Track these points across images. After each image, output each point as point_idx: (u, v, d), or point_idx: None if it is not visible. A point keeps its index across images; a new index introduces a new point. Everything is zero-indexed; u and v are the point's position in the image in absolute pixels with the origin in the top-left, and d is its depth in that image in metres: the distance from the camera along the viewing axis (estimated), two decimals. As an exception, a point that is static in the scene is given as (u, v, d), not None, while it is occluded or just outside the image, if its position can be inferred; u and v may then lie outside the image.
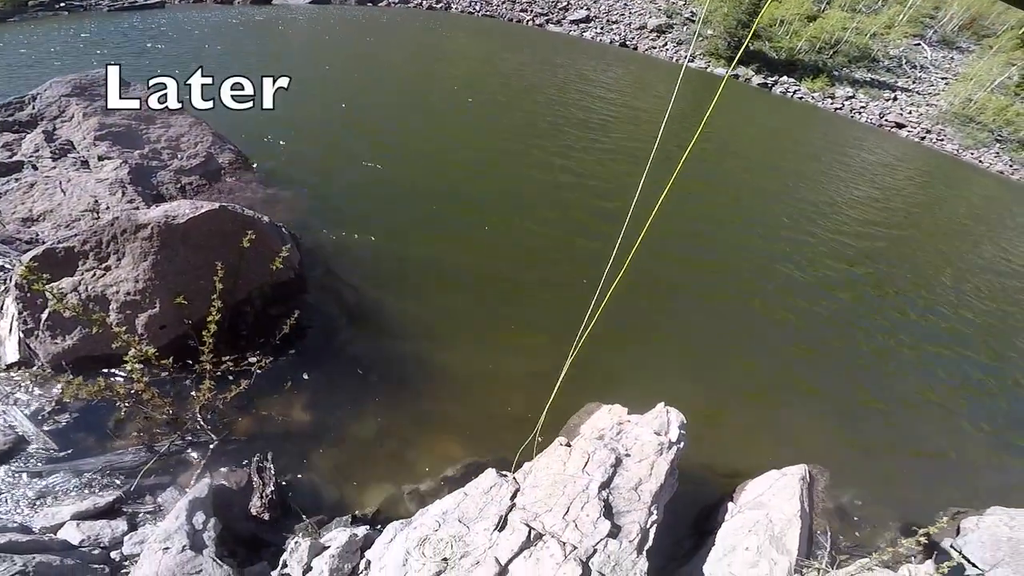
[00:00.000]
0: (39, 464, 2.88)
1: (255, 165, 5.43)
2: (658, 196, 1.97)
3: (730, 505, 3.26)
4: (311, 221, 5.05)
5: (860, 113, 23.07)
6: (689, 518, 3.36)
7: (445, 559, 2.22)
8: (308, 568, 2.45)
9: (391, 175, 6.55)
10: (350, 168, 6.37)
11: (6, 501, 2.74)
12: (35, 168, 4.14)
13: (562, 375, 2.69)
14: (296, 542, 2.60)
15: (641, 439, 2.90)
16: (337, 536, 2.61)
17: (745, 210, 8.80)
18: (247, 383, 3.09)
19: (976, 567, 2.87)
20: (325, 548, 2.54)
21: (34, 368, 3.17)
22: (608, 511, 2.43)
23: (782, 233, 8.22)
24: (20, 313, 3.06)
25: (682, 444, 2.98)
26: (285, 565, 2.50)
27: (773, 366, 5.14)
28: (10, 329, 3.15)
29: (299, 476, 3.11)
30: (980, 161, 21.19)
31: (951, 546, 3.24)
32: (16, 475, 2.83)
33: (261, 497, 2.91)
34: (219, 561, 2.29)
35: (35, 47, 8.28)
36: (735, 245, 7.44)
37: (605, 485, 2.55)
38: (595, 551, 2.23)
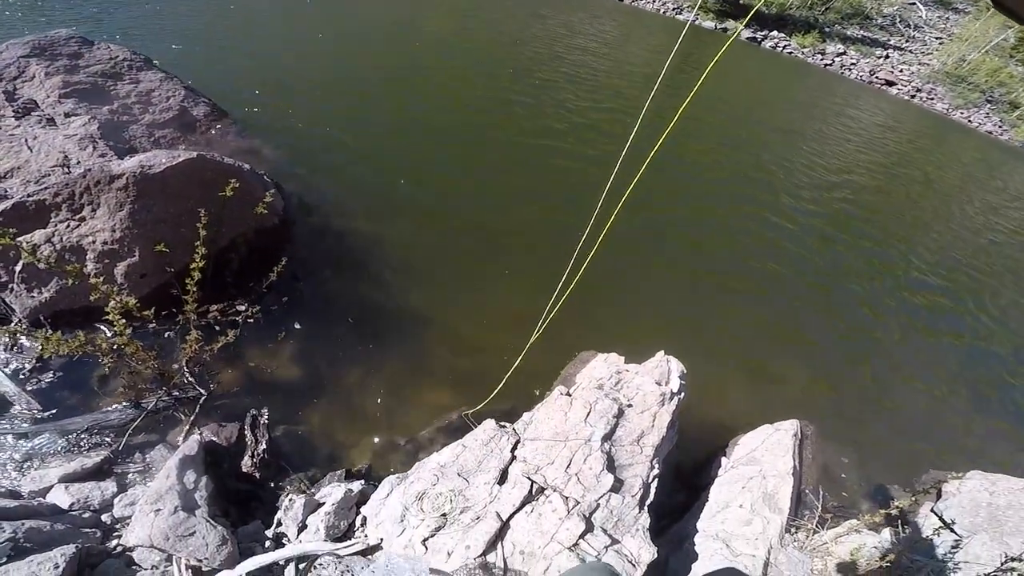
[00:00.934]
0: (23, 425, 2.80)
1: (231, 117, 5.26)
2: (648, 150, 1.93)
3: (723, 460, 3.27)
4: (293, 169, 4.95)
5: (850, 70, 22.90)
6: (682, 473, 3.36)
7: (444, 514, 2.20)
8: (303, 526, 2.42)
9: (373, 123, 6.44)
10: (330, 117, 6.22)
11: None
12: (-3, 128, 3.96)
13: (540, 326, 2.66)
14: (290, 499, 2.57)
15: (643, 389, 2.89)
16: (332, 492, 2.57)
17: (736, 163, 8.80)
18: (234, 333, 3.04)
19: (955, 533, 2.90)
20: (320, 505, 2.52)
21: (11, 325, 3.09)
22: (611, 464, 2.42)
23: (775, 185, 8.26)
24: (-8, 267, 2.96)
25: (683, 395, 2.97)
26: (279, 524, 2.47)
27: (765, 318, 5.21)
28: (-17, 285, 3.06)
29: (290, 430, 3.08)
30: (969, 121, 21.24)
31: (932, 510, 3.26)
32: (1, 437, 2.76)
33: (253, 455, 2.86)
34: (212, 522, 2.26)
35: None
36: (727, 197, 7.47)
37: (607, 437, 2.54)
38: (598, 506, 2.22)
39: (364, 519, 2.41)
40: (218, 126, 4.99)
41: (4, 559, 1.97)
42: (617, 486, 2.31)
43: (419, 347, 3.75)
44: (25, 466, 2.70)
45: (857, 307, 5.91)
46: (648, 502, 2.31)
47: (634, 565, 1.98)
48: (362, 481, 2.73)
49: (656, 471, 2.44)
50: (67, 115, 4.06)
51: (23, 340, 3.06)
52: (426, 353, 3.73)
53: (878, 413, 4.52)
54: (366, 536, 2.28)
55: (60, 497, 2.56)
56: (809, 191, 8.49)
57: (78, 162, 3.72)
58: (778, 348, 4.85)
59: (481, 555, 1.98)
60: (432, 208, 5.24)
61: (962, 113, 21.50)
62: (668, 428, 2.65)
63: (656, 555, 2.03)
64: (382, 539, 2.22)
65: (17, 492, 2.56)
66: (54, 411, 2.88)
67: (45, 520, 2.29)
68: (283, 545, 2.32)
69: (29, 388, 2.93)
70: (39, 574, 1.94)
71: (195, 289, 2.81)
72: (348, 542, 2.24)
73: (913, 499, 3.03)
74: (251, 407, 3.06)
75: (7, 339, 3.06)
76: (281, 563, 2.17)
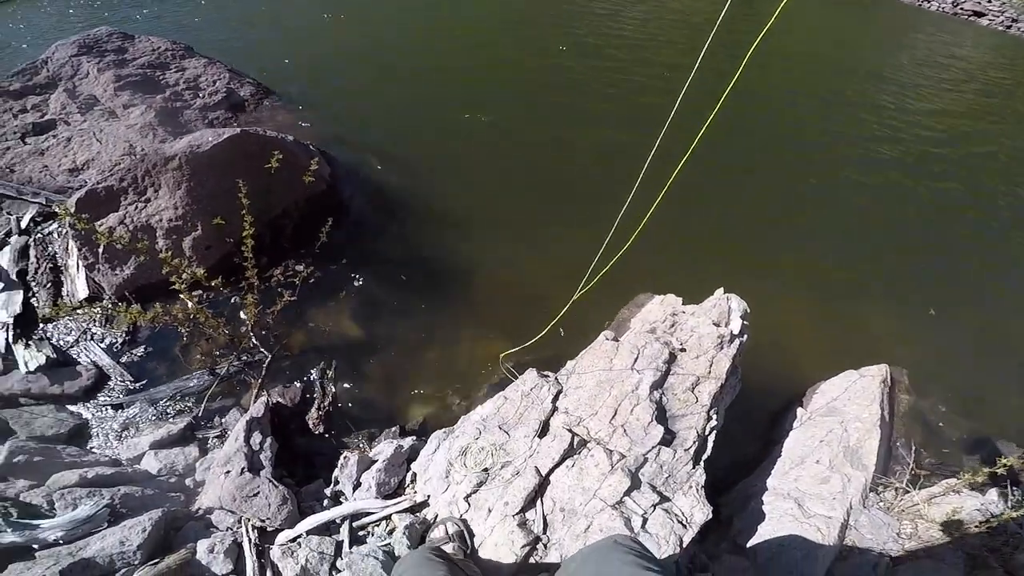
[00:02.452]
0: (119, 396, 3.09)
1: (277, 94, 5.45)
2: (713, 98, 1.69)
3: (799, 411, 2.99)
4: (339, 137, 5.04)
5: (930, 1, 19.53)
6: (751, 425, 3.12)
7: (486, 469, 2.15)
8: (358, 484, 2.47)
9: (415, 89, 6.38)
10: (372, 84, 6.26)
11: (97, 435, 2.95)
12: (67, 124, 4.33)
13: (585, 280, 2.51)
14: (345, 457, 2.62)
15: (698, 331, 2.65)
16: (384, 449, 2.60)
17: (809, 103, 7.84)
18: (290, 295, 3.19)
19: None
20: (373, 462, 2.55)
21: (104, 301, 3.43)
22: (661, 415, 2.25)
23: (852, 125, 7.31)
24: (80, 250, 3.28)
25: (745, 337, 2.70)
26: (337, 482, 2.54)
27: (848, 255, 4.69)
28: (77, 266, 3.41)
29: (349, 388, 3.21)
30: None
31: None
32: (102, 409, 3.05)
33: (319, 409, 3.02)
34: (275, 482, 2.34)
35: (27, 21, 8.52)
36: (801, 135, 6.72)
37: (657, 385, 2.36)
38: (646, 460, 2.07)
39: (414, 475, 2.44)
40: (265, 103, 5.19)
41: (104, 524, 2.14)
42: (668, 439, 2.16)
43: (471, 301, 3.77)
44: (123, 435, 2.95)
45: (960, 245, 5.15)
46: (704, 457, 2.14)
47: (685, 526, 1.86)
48: (413, 437, 2.78)
49: (714, 423, 2.25)
50: (125, 106, 4.35)
51: (113, 316, 3.39)
52: (478, 306, 3.74)
53: (985, 359, 3.97)
54: (415, 493, 2.31)
55: (151, 463, 2.76)
56: (894, 126, 7.42)
57: (142, 149, 3.99)
58: (862, 289, 4.38)
59: (519, 512, 1.94)
60: (479, 164, 5.16)
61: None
62: (728, 375, 2.42)
63: (710, 515, 1.89)
64: (429, 496, 2.24)
65: (117, 460, 2.79)
66: (144, 381, 3.15)
67: (138, 486, 2.48)
68: (340, 503, 2.40)
69: (123, 361, 3.23)
70: (129, 538, 2.06)
71: (251, 256, 2.95)
72: (396, 499, 2.29)
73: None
74: (312, 367, 3.22)
75: (101, 315, 3.41)
76: (337, 521, 2.25)
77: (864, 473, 2.38)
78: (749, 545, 2.10)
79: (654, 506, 1.89)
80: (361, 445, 2.87)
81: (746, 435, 3.06)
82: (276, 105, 5.26)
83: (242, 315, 3.22)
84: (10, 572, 1.90)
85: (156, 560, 2.03)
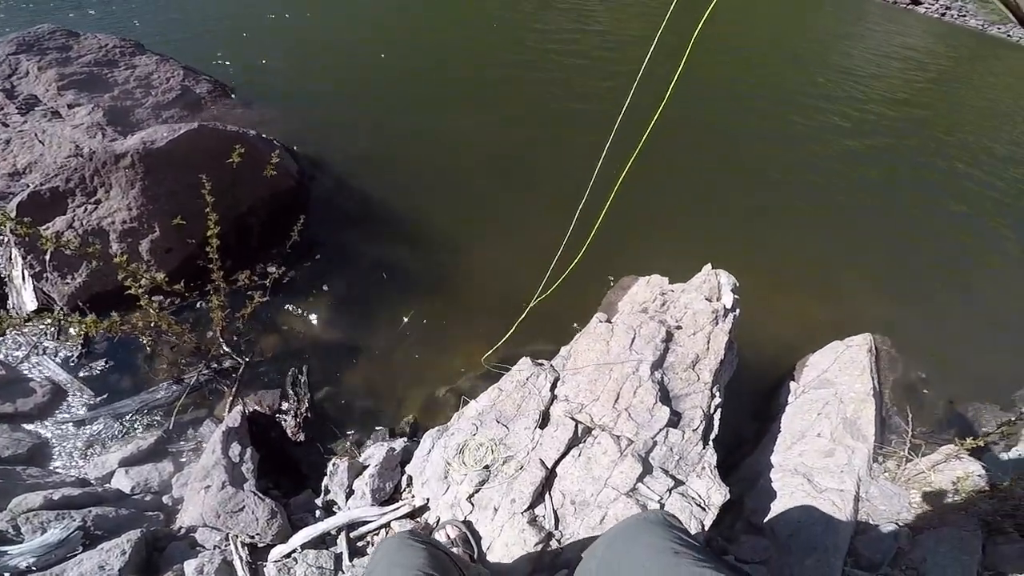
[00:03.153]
0: (80, 412, 2.89)
1: (236, 91, 5.23)
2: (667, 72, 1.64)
3: (792, 385, 2.98)
4: (304, 133, 4.86)
5: None
6: (746, 402, 3.08)
7: (487, 466, 2.05)
8: (350, 491, 2.33)
9: (382, 88, 6.22)
10: (333, 77, 6.09)
11: (60, 455, 2.76)
12: (5, 125, 4.02)
13: (559, 251, 2.43)
14: (334, 464, 2.48)
15: (692, 307, 2.61)
16: (375, 453, 2.48)
17: (769, 85, 7.99)
18: (260, 296, 3.01)
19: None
20: (365, 467, 2.42)
21: (55, 312, 3.17)
22: (664, 395, 2.18)
23: (818, 102, 7.49)
24: (25, 258, 3.01)
25: (738, 311, 2.68)
26: (327, 491, 2.41)
27: (823, 224, 4.80)
28: (23, 276, 3.14)
29: (332, 392, 3.06)
30: (1009, 35, 18.56)
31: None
32: (62, 426, 2.85)
33: (296, 416, 2.86)
34: (260, 495, 2.20)
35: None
36: (766, 109, 6.83)
37: (657, 365, 2.29)
38: (655, 444, 2.00)
39: (410, 479, 2.32)
40: (224, 101, 4.95)
41: (79, 548, 1.98)
42: (675, 420, 2.09)
43: (451, 296, 3.65)
44: (88, 452, 2.76)
45: (936, 210, 5.32)
46: (712, 436, 2.08)
47: (704, 508, 1.79)
48: (404, 439, 2.64)
49: (718, 400, 2.20)
50: (70, 106, 4.07)
51: (66, 328, 3.14)
52: (459, 301, 3.63)
53: (960, 323, 4.08)
54: (412, 497, 2.19)
55: (122, 481, 2.60)
56: (865, 107, 7.62)
57: (90, 149, 3.72)
58: (840, 259, 4.46)
59: (528, 508, 1.83)
60: (447, 155, 5.06)
61: (999, 28, 18.72)
62: (726, 350, 2.38)
63: (728, 495, 1.83)
64: (428, 499, 2.12)
65: (85, 480, 2.61)
66: (106, 395, 2.95)
67: (111, 506, 2.30)
68: (333, 513, 2.27)
69: (81, 375, 3.01)
70: (109, 561, 1.93)
71: (216, 257, 2.77)
72: (394, 505, 2.15)
73: (1013, 421, 2.68)
74: (289, 372, 3.05)
75: (53, 328, 3.15)
76: (333, 532, 2.12)
77: (865, 444, 2.37)
78: (765, 523, 2.04)
79: (669, 491, 1.81)
80: (350, 450, 2.72)
81: (742, 412, 3.03)
82: (235, 103, 5.03)
83: (211, 321, 3.02)
84: None
85: None
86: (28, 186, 3.45)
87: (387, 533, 2.11)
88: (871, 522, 2.02)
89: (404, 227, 4.14)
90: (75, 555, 1.95)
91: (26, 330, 3.13)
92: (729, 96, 7.12)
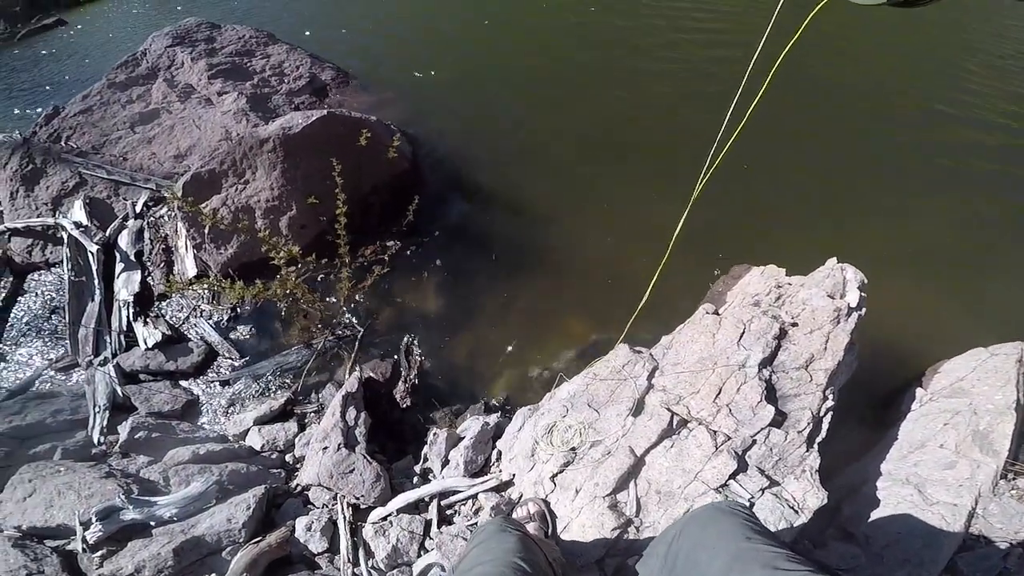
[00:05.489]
0: (226, 372, 3.39)
1: (356, 77, 5.73)
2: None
3: (919, 392, 2.78)
4: (419, 119, 5.22)
5: None
6: (862, 406, 2.92)
7: (573, 448, 2.17)
8: (446, 461, 2.55)
9: (490, 66, 6.43)
10: (448, 63, 6.35)
11: (206, 412, 3.24)
12: (169, 112, 4.81)
13: (674, 236, 2.36)
14: (435, 433, 2.73)
15: (810, 304, 2.53)
16: (471, 426, 2.68)
17: (916, 63, 6.97)
18: (380, 270, 3.42)
19: None
20: (461, 439, 2.64)
21: (210, 279, 3.81)
22: (770, 394, 2.17)
23: (968, 91, 6.40)
24: (188, 231, 3.67)
25: (863, 311, 2.54)
26: (426, 459, 2.65)
27: (970, 221, 4.21)
28: (186, 247, 3.82)
29: (437, 364, 3.38)
30: None
31: None
32: (211, 385, 3.36)
33: (405, 381, 3.20)
34: (369, 459, 2.44)
35: (128, 15, 9.35)
36: (909, 91, 6.01)
37: (767, 362, 2.28)
38: (754, 442, 2.02)
39: (499, 453, 2.50)
40: (345, 87, 5.48)
41: (213, 501, 2.30)
42: (779, 419, 2.09)
43: (555, 279, 3.82)
44: (229, 411, 3.22)
45: None
46: (819, 439, 2.06)
47: (797, 511, 1.82)
48: (498, 414, 2.85)
49: (830, 403, 2.16)
50: (219, 94, 4.75)
51: (218, 294, 3.76)
52: (562, 284, 3.79)
53: None
54: (500, 471, 2.38)
55: (255, 439, 2.91)
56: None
57: (238, 134, 4.35)
58: (986, 260, 3.91)
59: (610, 493, 1.96)
60: (554, 132, 5.14)
61: None
62: (845, 351, 2.30)
63: (825, 500, 1.84)
64: (514, 475, 2.30)
65: (224, 436, 2.99)
66: (247, 358, 3.45)
67: (243, 462, 2.62)
68: (428, 481, 2.50)
69: (229, 337, 3.57)
70: (235, 515, 2.19)
71: (344, 234, 3.17)
72: (483, 478, 2.36)
73: None
74: (400, 342, 3.42)
75: (209, 292, 3.80)
76: (426, 499, 2.34)
77: (995, 459, 2.20)
78: (860, 531, 2.02)
79: (762, 490, 1.87)
80: (449, 421, 2.98)
81: (856, 417, 2.88)
82: (356, 88, 5.53)
83: (336, 291, 3.46)
84: (130, 549, 2.06)
85: (258, 539, 2.15)
86: (190, 167, 4.15)
87: (474, 504, 2.34)
88: (981, 540, 1.93)
89: (511, 208, 4.35)
90: (209, 507, 2.27)
91: (187, 293, 3.80)
92: (868, 73, 6.41)
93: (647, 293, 2.59)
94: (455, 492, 2.37)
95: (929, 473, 2.14)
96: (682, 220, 2.33)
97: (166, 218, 4.15)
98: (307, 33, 7.13)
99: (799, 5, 1.61)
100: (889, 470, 2.28)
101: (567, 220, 4.23)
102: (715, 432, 2.07)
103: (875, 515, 2.06)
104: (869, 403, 2.99)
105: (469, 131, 5.14)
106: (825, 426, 2.11)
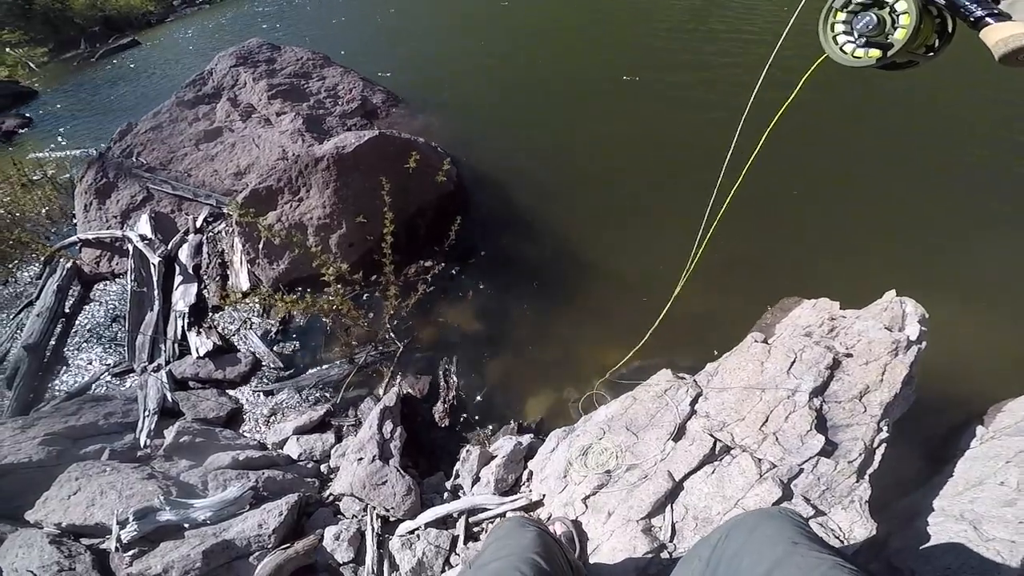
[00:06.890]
0: (270, 383, 3.57)
1: (405, 101, 6.09)
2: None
3: (979, 429, 2.70)
4: (464, 142, 5.46)
5: None
6: (917, 441, 2.84)
7: (608, 471, 2.20)
8: (477, 479, 2.61)
9: (536, 90, 6.68)
10: (490, 92, 6.67)
11: (249, 420, 3.41)
12: (231, 131, 5.20)
13: (685, 273, 2.31)
14: (467, 451, 2.80)
15: (867, 335, 2.51)
16: (503, 445, 2.74)
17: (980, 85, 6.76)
18: (424, 289, 3.60)
19: None
20: (493, 458, 2.70)
21: (262, 292, 4.06)
22: (821, 424, 2.16)
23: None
24: (244, 246, 3.94)
25: (923, 344, 2.51)
26: (457, 475, 2.71)
27: None
28: (240, 261, 4.09)
29: (473, 383, 3.47)
30: None
31: None
32: (256, 394, 3.54)
33: (444, 402, 3.31)
34: (402, 472, 2.52)
35: (196, 36, 10.19)
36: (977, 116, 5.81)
37: (818, 392, 2.28)
38: (801, 471, 2.00)
39: (531, 473, 2.55)
40: (394, 110, 5.83)
41: (247, 506, 2.36)
42: (829, 450, 2.07)
43: (594, 304, 3.88)
44: (270, 420, 3.39)
45: None
46: (870, 471, 2.03)
47: (842, 542, 1.80)
48: (531, 435, 2.91)
49: (884, 434, 2.12)
50: (278, 114, 5.13)
51: (268, 307, 3.99)
52: (598, 307, 3.85)
53: None
54: (530, 491, 2.42)
55: (293, 448, 3.03)
56: None
57: (294, 153, 4.66)
58: None
59: (644, 517, 1.97)
60: (593, 155, 5.28)
61: None
62: (903, 384, 2.26)
63: (874, 532, 1.81)
64: (544, 495, 2.34)
65: (263, 444, 3.13)
66: (291, 370, 3.64)
67: (279, 470, 2.73)
68: (458, 497, 2.55)
69: (274, 350, 3.78)
70: (267, 521, 2.27)
71: (390, 253, 3.36)
72: (513, 497, 2.40)
73: None
74: (439, 361, 3.54)
75: (260, 305, 4.04)
76: (454, 515, 2.40)
77: None
78: (906, 565, 1.96)
79: (807, 519, 1.85)
80: (482, 440, 3.06)
81: (909, 451, 2.80)
82: (405, 111, 5.87)
83: (381, 308, 3.63)
84: (161, 550, 2.13)
85: (287, 545, 2.22)
86: (248, 184, 4.46)
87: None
88: (1037, 578, 1.84)
89: (552, 233, 4.47)
90: (243, 512, 2.35)
91: (240, 306, 4.06)
92: (930, 94, 6.26)
93: (659, 317, 2.55)
94: (484, 509, 2.42)
95: (986, 510, 2.07)
96: (696, 245, 2.30)
97: (224, 234, 4.47)
98: (363, 57, 7.62)
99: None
100: (943, 506, 2.22)
101: (605, 246, 4.31)
102: (760, 460, 2.07)
103: (924, 549, 2.00)
104: (924, 438, 2.91)
105: (511, 156, 5.33)
106: (878, 458, 2.08)
